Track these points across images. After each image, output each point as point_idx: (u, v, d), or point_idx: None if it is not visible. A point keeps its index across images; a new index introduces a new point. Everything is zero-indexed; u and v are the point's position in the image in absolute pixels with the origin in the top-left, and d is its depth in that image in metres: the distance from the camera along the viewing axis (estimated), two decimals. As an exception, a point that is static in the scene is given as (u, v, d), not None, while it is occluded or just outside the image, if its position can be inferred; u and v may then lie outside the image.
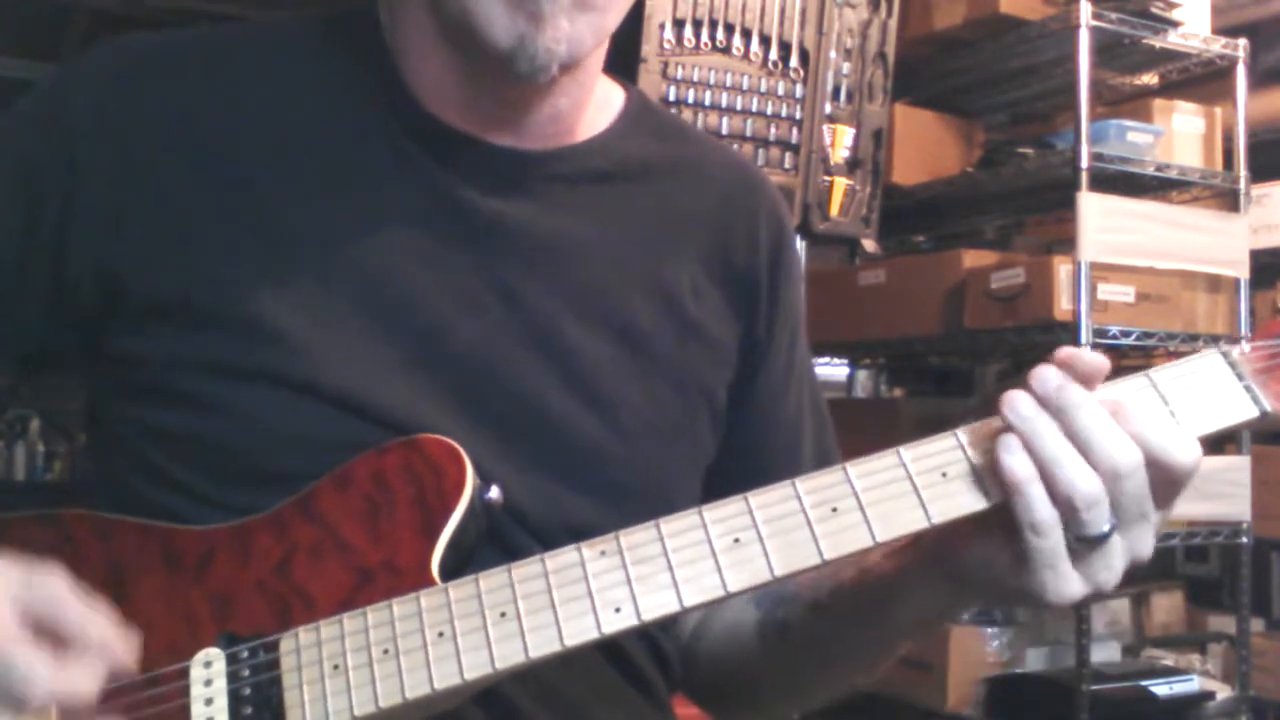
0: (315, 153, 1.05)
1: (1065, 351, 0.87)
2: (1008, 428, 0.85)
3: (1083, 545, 0.85)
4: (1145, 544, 0.86)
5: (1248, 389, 0.88)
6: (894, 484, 0.87)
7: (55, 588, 0.86)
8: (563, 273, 1.08)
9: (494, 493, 0.96)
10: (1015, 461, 0.84)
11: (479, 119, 1.07)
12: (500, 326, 1.05)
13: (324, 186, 1.05)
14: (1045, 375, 0.86)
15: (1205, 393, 0.88)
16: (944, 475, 0.86)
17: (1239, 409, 0.88)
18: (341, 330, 1.01)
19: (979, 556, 0.89)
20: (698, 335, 1.13)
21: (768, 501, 0.87)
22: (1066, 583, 0.85)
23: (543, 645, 0.85)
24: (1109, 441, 0.84)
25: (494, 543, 0.98)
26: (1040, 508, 0.84)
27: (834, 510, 0.86)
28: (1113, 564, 0.86)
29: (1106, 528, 0.84)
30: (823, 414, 1.24)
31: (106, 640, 0.86)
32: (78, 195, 1.02)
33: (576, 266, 1.08)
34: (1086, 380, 0.86)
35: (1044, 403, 0.85)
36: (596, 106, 1.15)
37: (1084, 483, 0.83)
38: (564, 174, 1.10)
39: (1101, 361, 0.86)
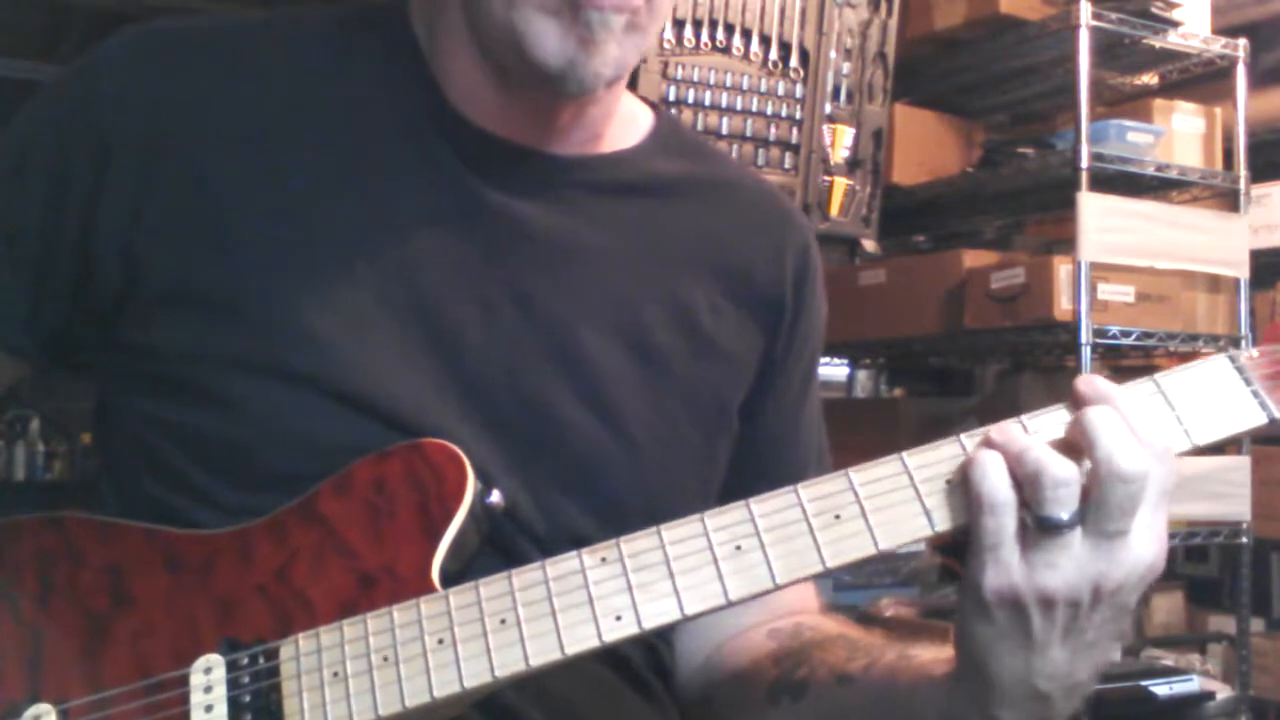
0: (341, 147, 1.05)
1: None
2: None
3: (1037, 532, 0.82)
4: (1117, 560, 0.82)
5: (1255, 394, 0.87)
6: (897, 491, 0.85)
7: None
8: (581, 280, 1.08)
9: (495, 497, 0.96)
10: (981, 450, 0.84)
11: (509, 122, 1.07)
12: (515, 330, 1.04)
13: (348, 181, 1.04)
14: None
15: (1212, 399, 0.86)
16: (948, 482, 0.85)
17: (1247, 415, 0.86)
18: (359, 327, 1.01)
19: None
20: (713, 352, 1.12)
21: (770, 509, 0.86)
22: (1004, 572, 0.82)
23: (543, 653, 0.85)
24: (1114, 439, 0.81)
25: (495, 547, 0.98)
26: (995, 478, 0.82)
27: (837, 517, 0.85)
28: (1061, 565, 0.82)
29: (1066, 516, 0.81)
30: (825, 450, 1.24)
31: None
32: (104, 181, 1.02)
33: (594, 275, 1.08)
34: None
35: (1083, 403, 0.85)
36: (624, 122, 1.15)
37: (1056, 464, 0.81)
38: (589, 182, 1.10)
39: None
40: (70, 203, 1.03)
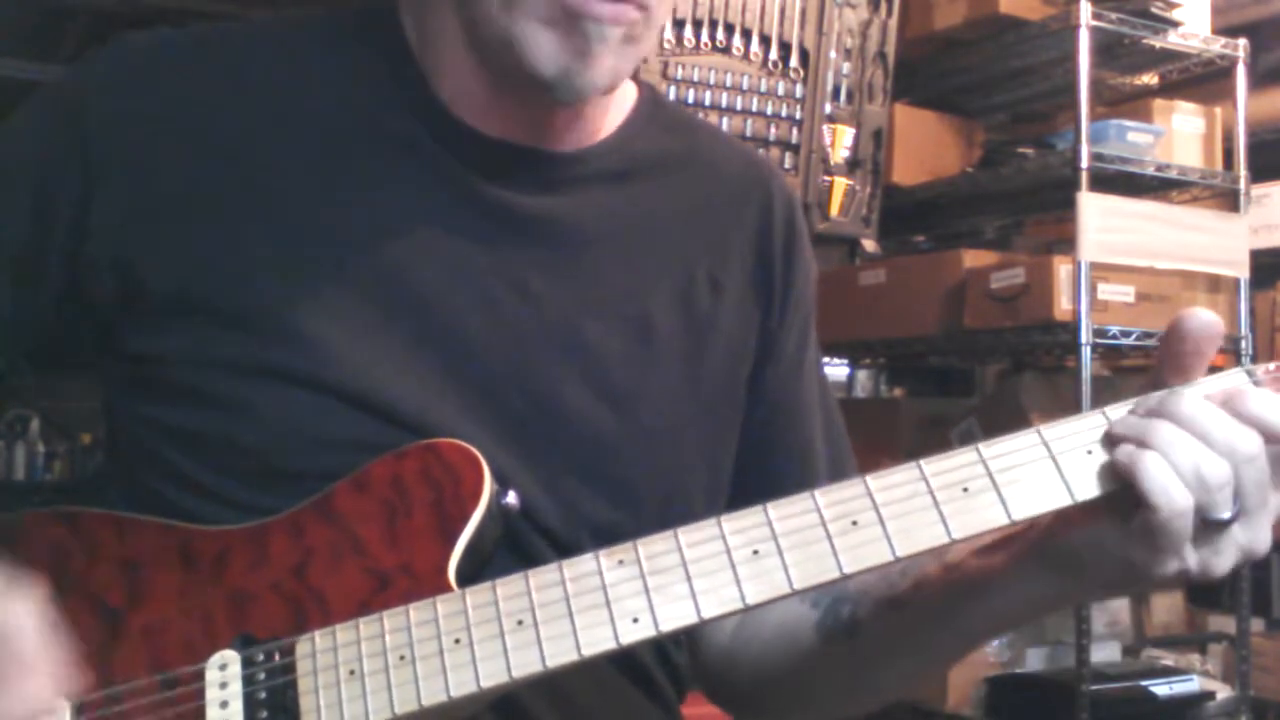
0: (334, 151, 1.05)
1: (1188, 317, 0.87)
2: (1110, 436, 0.85)
3: (1205, 529, 0.84)
4: (1262, 535, 0.86)
5: None
6: (914, 498, 0.85)
7: (19, 616, 0.83)
8: (580, 271, 1.08)
9: (511, 498, 0.96)
10: (1138, 453, 0.84)
11: (502, 122, 1.07)
12: (517, 324, 1.05)
13: (343, 185, 1.05)
14: (1148, 398, 0.86)
15: None
16: (965, 490, 0.85)
17: None
18: (358, 328, 1.01)
19: (1088, 536, 0.88)
20: (716, 332, 1.13)
21: (787, 513, 0.86)
22: (1184, 563, 0.85)
23: (560, 654, 0.85)
24: (1222, 428, 0.83)
25: (510, 547, 0.98)
26: (1177, 489, 0.83)
27: (854, 523, 0.85)
28: (1227, 550, 0.85)
29: (1229, 514, 0.83)
30: (833, 410, 1.24)
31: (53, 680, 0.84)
32: (93, 193, 1.02)
33: (594, 264, 1.09)
34: (1204, 340, 0.86)
35: (1149, 413, 0.85)
36: (612, 102, 1.15)
37: (1211, 464, 0.83)
38: (583, 174, 1.11)
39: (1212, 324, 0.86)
40: (57, 217, 1.03)
